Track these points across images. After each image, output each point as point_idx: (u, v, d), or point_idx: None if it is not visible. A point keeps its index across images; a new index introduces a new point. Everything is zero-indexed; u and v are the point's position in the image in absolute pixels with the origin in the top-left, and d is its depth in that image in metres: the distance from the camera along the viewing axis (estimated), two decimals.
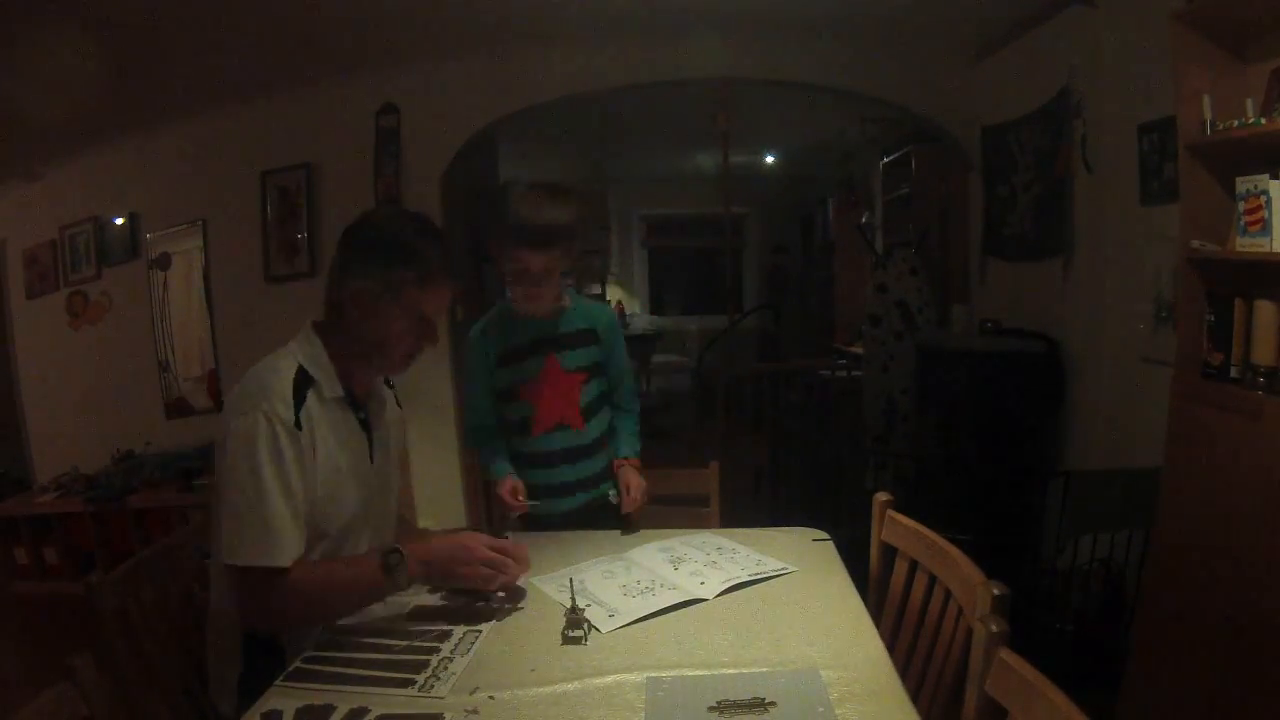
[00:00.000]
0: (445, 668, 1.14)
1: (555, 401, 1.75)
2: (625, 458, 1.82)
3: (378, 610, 1.32)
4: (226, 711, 1.30)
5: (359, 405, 1.39)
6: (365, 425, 1.40)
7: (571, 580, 1.29)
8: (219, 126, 3.91)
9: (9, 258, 4.49)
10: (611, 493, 1.79)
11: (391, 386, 1.54)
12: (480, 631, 1.26)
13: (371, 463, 1.40)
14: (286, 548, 1.20)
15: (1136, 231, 2.53)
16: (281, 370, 1.26)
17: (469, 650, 1.19)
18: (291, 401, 1.23)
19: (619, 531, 1.72)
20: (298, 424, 1.23)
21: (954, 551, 1.26)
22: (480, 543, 1.31)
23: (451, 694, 1.07)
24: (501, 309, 1.78)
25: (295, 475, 1.22)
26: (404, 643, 1.23)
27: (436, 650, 1.20)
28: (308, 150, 3.82)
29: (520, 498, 1.70)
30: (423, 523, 3.88)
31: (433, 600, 1.39)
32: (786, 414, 4.35)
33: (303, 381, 1.27)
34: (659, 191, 8.41)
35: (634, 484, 1.75)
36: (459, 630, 1.26)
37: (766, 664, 1.11)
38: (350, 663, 1.17)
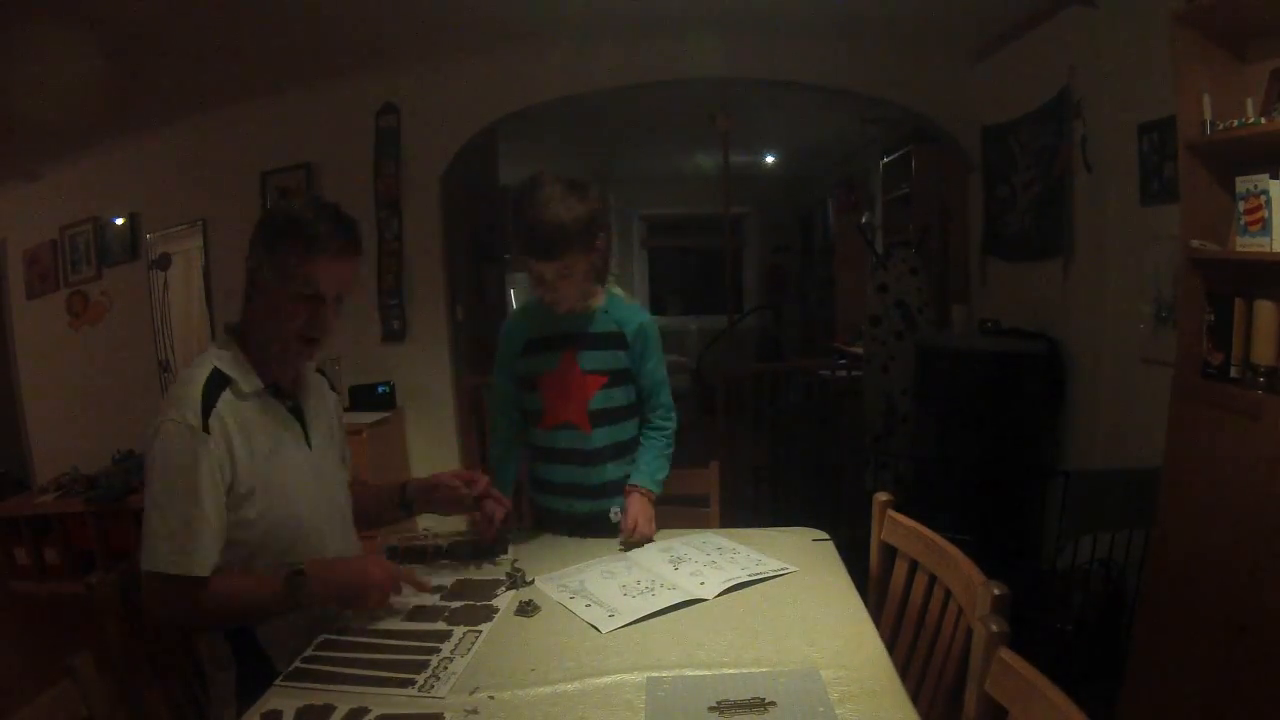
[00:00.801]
0: (445, 667, 1.14)
1: (565, 399, 1.71)
2: (638, 485, 1.70)
3: (378, 611, 1.33)
4: (227, 717, 1.31)
5: (287, 394, 1.41)
6: (297, 412, 1.42)
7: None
8: (219, 126, 3.92)
9: (9, 258, 4.50)
10: (614, 510, 1.71)
11: (323, 373, 1.57)
12: (480, 632, 1.26)
13: (310, 448, 1.42)
14: (199, 556, 1.22)
15: (1136, 231, 2.53)
16: (195, 378, 1.29)
17: (469, 650, 1.19)
18: (199, 407, 1.25)
19: (618, 544, 1.67)
20: (206, 428, 1.24)
21: (954, 551, 1.26)
22: (379, 567, 1.34)
23: (451, 694, 1.07)
24: (537, 300, 1.74)
25: (206, 482, 1.23)
26: (404, 643, 1.23)
27: (436, 650, 1.20)
28: (308, 150, 3.82)
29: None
30: (423, 522, 3.87)
31: (432, 600, 1.39)
32: (786, 414, 4.34)
33: (215, 383, 1.29)
34: (659, 191, 8.40)
35: (639, 515, 1.64)
36: (459, 630, 1.26)
37: (766, 664, 1.11)
38: (350, 663, 1.17)
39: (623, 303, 1.78)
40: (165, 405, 1.27)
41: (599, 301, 1.72)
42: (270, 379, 1.37)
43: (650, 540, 1.63)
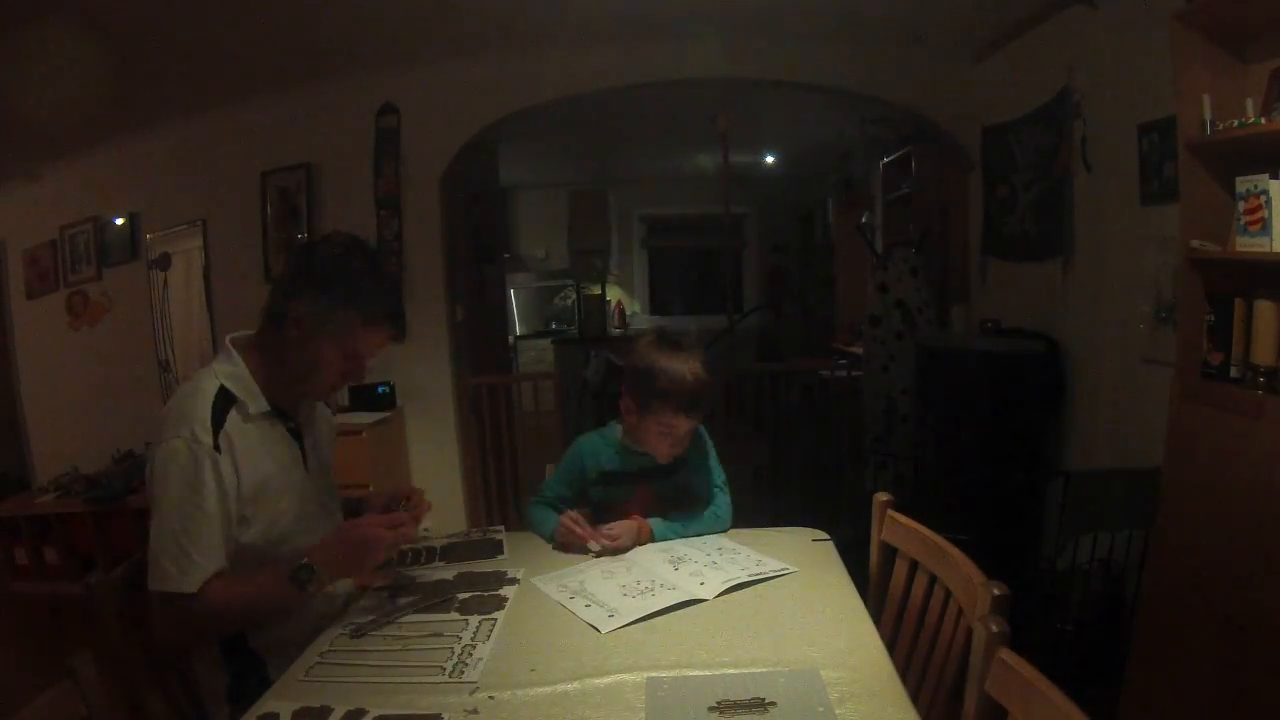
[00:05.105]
0: (470, 654, 1.17)
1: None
2: (646, 520, 1.66)
3: (379, 614, 1.33)
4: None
5: (289, 415, 1.40)
6: (297, 434, 1.41)
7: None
8: (219, 126, 3.91)
9: (9, 258, 4.49)
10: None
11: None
12: (495, 620, 1.29)
13: (306, 470, 1.41)
14: (203, 572, 1.21)
15: (1136, 231, 2.53)
16: (202, 392, 1.28)
17: (489, 637, 1.22)
18: (210, 425, 1.24)
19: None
20: (216, 447, 1.24)
21: (954, 551, 1.26)
22: (370, 525, 1.30)
23: (483, 678, 1.10)
24: (619, 439, 1.76)
25: (214, 500, 1.23)
26: (422, 634, 1.25)
27: (458, 639, 1.22)
28: (308, 150, 3.81)
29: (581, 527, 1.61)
30: (424, 523, 3.87)
31: (438, 605, 1.40)
32: (786, 414, 4.34)
33: (223, 402, 1.28)
34: (659, 191, 8.40)
35: (623, 529, 1.60)
36: (474, 619, 1.29)
37: (766, 664, 1.11)
38: (369, 656, 1.19)
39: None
40: (172, 420, 1.25)
41: None
42: (274, 400, 1.36)
43: (617, 550, 1.57)
